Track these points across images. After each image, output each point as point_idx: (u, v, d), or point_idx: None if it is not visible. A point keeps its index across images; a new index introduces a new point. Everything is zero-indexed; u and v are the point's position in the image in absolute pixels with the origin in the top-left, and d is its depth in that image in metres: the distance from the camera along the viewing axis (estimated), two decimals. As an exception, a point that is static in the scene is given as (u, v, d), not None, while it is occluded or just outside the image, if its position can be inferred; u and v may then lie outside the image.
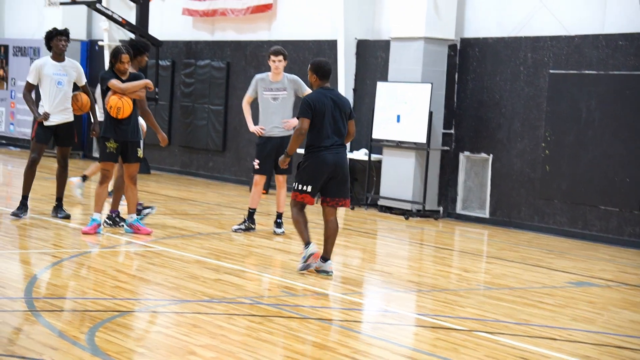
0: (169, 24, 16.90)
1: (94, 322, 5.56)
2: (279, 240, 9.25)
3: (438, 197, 12.60)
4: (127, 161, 9.03)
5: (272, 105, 9.44)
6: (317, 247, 7.55)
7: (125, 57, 8.86)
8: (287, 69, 9.73)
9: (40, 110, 9.53)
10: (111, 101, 8.83)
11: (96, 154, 17.48)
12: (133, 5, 16.50)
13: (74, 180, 11.00)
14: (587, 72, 11.07)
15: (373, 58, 13.54)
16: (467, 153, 12.45)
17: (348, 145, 13.73)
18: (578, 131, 11.13)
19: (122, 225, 9.25)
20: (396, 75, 12.63)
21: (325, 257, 7.54)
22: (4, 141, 19.98)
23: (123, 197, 10.69)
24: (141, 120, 9.42)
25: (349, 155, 13.45)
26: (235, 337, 5.43)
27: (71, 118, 9.66)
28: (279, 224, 9.70)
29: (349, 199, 7.58)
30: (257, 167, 9.54)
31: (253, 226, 9.76)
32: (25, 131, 18.51)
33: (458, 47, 12.48)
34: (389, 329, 6.02)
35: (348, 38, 13.65)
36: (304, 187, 7.44)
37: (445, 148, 12.55)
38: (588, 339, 6.00)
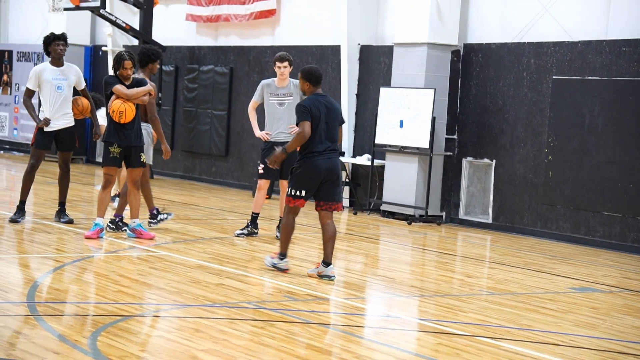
0: (172, 29, 16.93)
1: (96, 327, 5.56)
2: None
3: (441, 202, 12.60)
4: (130, 166, 9.04)
5: (278, 111, 9.45)
6: (288, 265, 7.75)
7: (128, 63, 8.87)
8: (291, 75, 9.74)
9: (41, 116, 9.54)
10: (114, 106, 8.84)
11: (99, 159, 17.51)
12: (137, 10, 16.54)
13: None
14: (590, 78, 11.07)
15: (376, 63, 13.55)
16: (470, 158, 12.45)
17: (351, 150, 13.81)
18: (581, 137, 11.13)
19: (125, 230, 9.26)
20: (399, 81, 12.64)
21: (327, 262, 7.56)
22: (7, 146, 20.02)
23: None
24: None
25: (352, 161, 13.46)
26: (238, 341, 5.43)
27: (72, 123, 9.67)
28: (279, 228, 9.70)
29: (341, 202, 7.68)
30: (261, 171, 9.55)
31: (256, 231, 9.76)
32: (29, 136, 18.54)
33: (461, 53, 12.49)
34: (392, 334, 6.01)
35: (351, 43, 13.67)
36: (299, 193, 7.51)
37: (448, 153, 12.55)
38: (590, 345, 5.99)
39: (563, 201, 11.30)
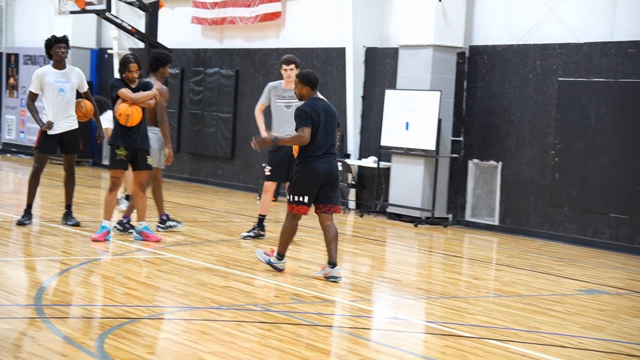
0: (178, 32, 16.95)
1: (103, 329, 5.56)
2: (288, 248, 9.23)
3: (447, 204, 12.58)
4: (136, 169, 9.05)
5: (285, 113, 9.45)
6: (285, 266, 7.79)
7: (133, 66, 8.89)
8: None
9: (44, 119, 9.55)
10: (120, 109, 8.86)
11: (106, 162, 17.54)
12: (142, 13, 16.57)
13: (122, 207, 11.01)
14: (596, 79, 11.05)
15: (382, 66, 13.55)
16: (476, 160, 12.43)
17: (357, 152, 13.81)
18: (587, 139, 11.11)
19: (131, 232, 9.28)
20: (405, 83, 12.63)
21: (333, 263, 7.57)
22: (14, 149, 20.06)
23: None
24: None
25: (358, 163, 13.46)
26: (244, 344, 5.43)
27: (75, 125, 9.67)
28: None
29: (339, 204, 7.72)
30: (268, 173, 9.55)
31: (262, 233, 9.77)
32: (35, 139, 18.57)
33: (467, 55, 12.49)
34: (398, 337, 6.01)
35: (357, 46, 13.67)
36: (300, 198, 7.52)
37: (454, 155, 12.54)
38: (598, 347, 5.98)
39: (570, 203, 11.28)
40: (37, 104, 9.68)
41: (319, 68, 14.35)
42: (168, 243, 9.12)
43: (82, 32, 18.49)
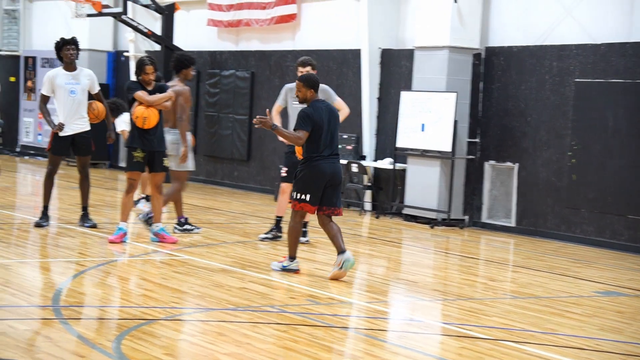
0: (193, 34, 17.01)
1: (120, 330, 5.59)
2: (304, 249, 9.25)
3: (463, 205, 12.55)
4: (153, 170, 9.10)
5: None
6: (299, 266, 7.83)
7: (149, 68, 8.93)
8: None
9: (56, 121, 9.60)
10: (137, 111, 8.90)
11: (122, 164, 17.62)
12: (158, 16, 16.64)
13: (142, 208, 11.09)
14: (613, 80, 10.99)
15: (397, 67, 13.53)
16: (492, 162, 12.39)
17: (373, 154, 13.80)
18: (605, 140, 11.04)
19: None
20: (420, 84, 12.61)
21: (342, 250, 7.62)
22: (32, 151, 20.20)
23: (144, 203, 10.80)
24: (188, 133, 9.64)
25: (374, 165, 13.45)
26: (261, 345, 5.44)
27: (87, 127, 9.70)
28: (303, 233, 9.71)
29: (341, 207, 7.78)
30: (284, 174, 9.57)
31: (280, 234, 9.78)
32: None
33: (483, 56, 12.45)
34: (415, 338, 6.00)
35: (372, 47, 13.66)
36: (303, 196, 7.59)
37: (471, 157, 12.50)
38: (616, 349, 5.94)
39: (587, 204, 11.22)
40: (48, 106, 9.73)
41: (334, 70, 14.36)
42: (184, 245, 9.15)
43: (99, 35, 18.60)
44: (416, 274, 8.52)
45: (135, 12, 17.19)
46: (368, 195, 13.59)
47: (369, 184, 13.45)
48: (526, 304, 7.23)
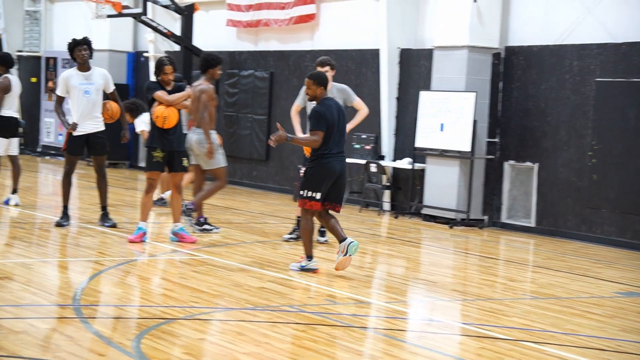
0: (213, 34, 17.06)
1: (140, 329, 5.61)
2: (322, 249, 9.25)
3: (482, 205, 12.50)
4: (173, 170, 9.14)
5: None
6: (317, 265, 7.87)
7: (168, 68, 8.98)
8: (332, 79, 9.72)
9: (70, 122, 9.66)
10: (157, 111, 8.94)
11: (142, 164, 17.70)
12: (178, 16, 16.71)
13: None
14: (635, 80, 10.90)
15: (416, 67, 13.50)
16: (512, 162, 12.33)
17: (391, 154, 13.77)
18: (626, 140, 10.95)
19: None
20: (439, 84, 12.57)
21: (343, 238, 7.69)
22: (53, 152, 20.35)
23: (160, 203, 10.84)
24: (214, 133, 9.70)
25: (393, 164, 13.43)
26: (280, 345, 5.44)
27: (102, 127, 9.74)
28: (322, 233, 9.72)
29: (341, 205, 7.88)
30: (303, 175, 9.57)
31: (302, 234, 9.80)
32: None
33: (502, 56, 12.39)
34: (434, 338, 5.98)
35: (391, 47, 13.64)
36: (313, 194, 7.65)
37: (490, 157, 12.45)
38: (637, 350, 5.89)
39: (608, 205, 11.14)
40: (64, 106, 9.78)
41: (353, 70, 14.35)
42: (203, 244, 9.17)
43: (119, 36, 18.70)
44: (435, 274, 8.49)
45: (155, 13, 17.27)
46: (387, 195, 13.56)
47: (388, 184, 13.43)
48: (546, 305, 7.19)
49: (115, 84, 10.11)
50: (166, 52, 17.35)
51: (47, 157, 20.20)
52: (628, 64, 11.01)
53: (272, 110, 15.85)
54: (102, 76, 9.69)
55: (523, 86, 12.20)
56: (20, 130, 11.61)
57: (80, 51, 9.55)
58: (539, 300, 7.40)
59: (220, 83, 16.93)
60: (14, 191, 11.34)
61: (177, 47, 16.65)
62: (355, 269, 8.24)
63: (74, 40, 9.64)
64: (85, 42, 9.59)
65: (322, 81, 7.73)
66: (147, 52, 18.08)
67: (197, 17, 16.54)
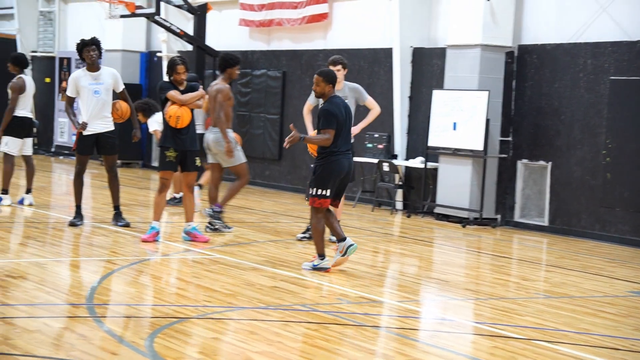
0: (225, 34, 17.09)
1: (153, 328, 5.63)
2: (334, 248, 9.25)
3: (495, 205, 12.46)
4: (185, 170, 9.16)
5: None
6: (330, 263, 7.85)
7: (181, 68, 9.00)
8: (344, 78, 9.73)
9: (80, 121, 9.70)
10: (170, 111, 8.97)
11: (155, 163, 17.76)
12: (191, 16, 16.74)
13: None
14: (649, 77, 10.84)
15: (429, 66, 13.48)
16: (525, 161, 12.29)
17: (404, 153, 13.75)
18: (640, 138, 10.89)
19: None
20: (452, 83, 12.54)
21: (342, 238, 7.74)
22: (66, 151, 20.44)
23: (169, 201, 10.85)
24: (232, 133, 9.77)
25: (405, 164, 13.41)
26: (292, 344, 5.45)
27: (111, 127, 9.77)
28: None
29: (340, 200, 8.02)
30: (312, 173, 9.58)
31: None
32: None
33: (515, 54, 12.35)
34: (447, 337, 5.97)
35: (404, 46, 13.62)
36: (324, 192, 7.70)
37: (503, 155, 12.41)
38: (652, 350, 5.86)
39: (622, 204, 11.08)
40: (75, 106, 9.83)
41: (365, 69, 14.34)
42: (216, 244, 9.19)
43: (132, 36, 18.76)
44: (448, 273, 8.47)
45: (168, 13, 17.31)
46: (399, 194, 13.55)
47: (401, 183, 13.41)
48: (559, 304, 7.16)
49: (128, 84, 10.16)
50: (179, 51, 17.39)
51: (61, 157, 20.29)
52: (642, 62, 10.95)
53: (285, 109, 15.86)
54: (112, 76, 9.72)
55: (536, 85, 12.15)
56: (34, 130, 11.67)
57: (88, 52, 9.59)
58: (552, 300, 7.38)
59: (232, 82, 16.94)
60: (28, 191, 11.41)
61: (189, 47, 16.69)
62: (368, 268, 8.24)
63: (83, 41, 9.69)
64: (93, 43, 9.63)
65: (331, 79, 7.74)
66: (160, 52, 18.13)
67: (210, 16, 16.57)
